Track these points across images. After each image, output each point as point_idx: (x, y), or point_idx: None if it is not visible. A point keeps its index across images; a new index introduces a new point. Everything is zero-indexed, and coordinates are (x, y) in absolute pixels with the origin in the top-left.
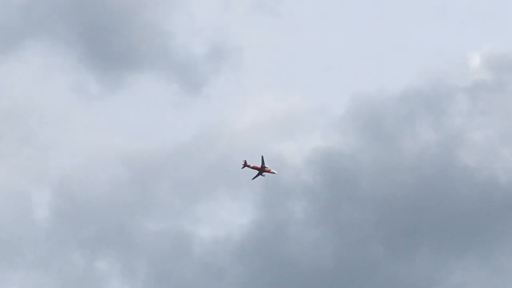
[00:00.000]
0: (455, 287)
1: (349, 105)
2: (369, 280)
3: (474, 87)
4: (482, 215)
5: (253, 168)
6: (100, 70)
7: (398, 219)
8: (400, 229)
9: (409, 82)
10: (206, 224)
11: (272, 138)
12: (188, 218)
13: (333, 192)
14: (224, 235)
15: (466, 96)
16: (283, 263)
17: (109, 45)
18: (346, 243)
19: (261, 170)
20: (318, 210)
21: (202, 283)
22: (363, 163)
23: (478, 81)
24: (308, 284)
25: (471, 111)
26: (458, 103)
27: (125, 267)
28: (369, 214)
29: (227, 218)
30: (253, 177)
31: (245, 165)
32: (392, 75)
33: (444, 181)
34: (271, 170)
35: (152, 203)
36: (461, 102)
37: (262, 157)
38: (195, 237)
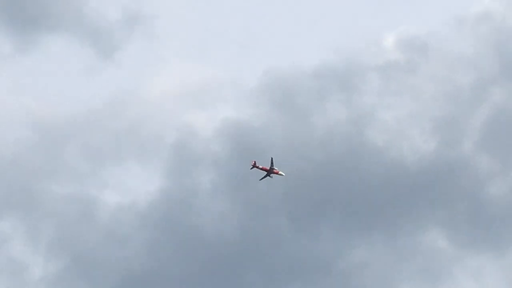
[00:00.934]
0: (358, 264)
1: (262, 79)
2: (274, 253)
3: (387, 67)
4: (388, 194)
5: (262, 169)
6: (13, 31)
7: (305, 194)
8: (307, 204)
9: (323, 59)
10: (112, 190)
11: (183, 107)
12: (95, 184)
13: (242, 164)
14: (130, 202)
15: (378, 76)
16: (189, 232)
17: (24, 7)
18: (252, 216)
19: (269, 171)
20: (226, 182)
21: (105, 248)
22: (273, 137)
23: (390, 61)
24: (213, 255)
25: (382, 91)
26: (369, 82)
27: (29, 230)
28: (276, 187)
29: (134, 185)
30: (260, 178)
31: (254, 165)
32: (306, 51)
33: (353, 159)
34: (279, 172)
35: (60, 167)
36: (373, 81)
37: (272, 158)
38: (101, 203)
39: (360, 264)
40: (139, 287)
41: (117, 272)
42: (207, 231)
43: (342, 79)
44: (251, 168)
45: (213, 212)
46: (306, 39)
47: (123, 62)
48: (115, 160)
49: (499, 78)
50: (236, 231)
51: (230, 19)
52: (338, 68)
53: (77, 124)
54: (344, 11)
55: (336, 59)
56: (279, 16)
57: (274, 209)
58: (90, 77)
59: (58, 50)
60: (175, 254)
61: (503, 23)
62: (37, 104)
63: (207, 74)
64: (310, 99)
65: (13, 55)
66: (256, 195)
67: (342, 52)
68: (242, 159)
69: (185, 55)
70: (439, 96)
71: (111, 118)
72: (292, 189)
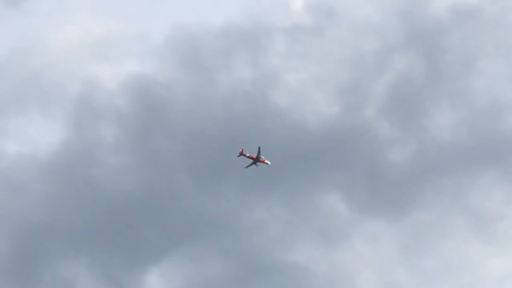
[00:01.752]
0: (255, 224)
1: (169, 35)
2: (174, 210)
3: (293, 29)
4: (289, 156)
5: (249, 157)
6: None
7: (207, 152)
8: (208, 162)
9: (230, 18)
10: (13, 139)
11: (88, 60)
12: None
13: (145, 119)
14: (31, 152)
15: (285, 38)
16: (89, 185)
17: None
18: (154, 171)
19: (256, 160)
20: (129, 136)
21: (3, 197)
22: (178, 94)
23: (297, 24)
24: (113, 209)
25: (288, 53)
26: (276, 44)
27: None
28: (179, 144)
29: (35, 135)
30: (247, 165)
31: (241, 153)
32: (214, 9)
33: (256, 120)
34: (266, 161)
35: None
36: (279, 43)
37: (259, 148)
38: (0, 152)
39: (259, 224)
40: (37, 239)
41: (15, 222)
42: (107, 185)
43: (249, 39)
44: (238, 156)
45: (114, 167)
46: None
47: (29, 11)
48: (17, 110)
49: (403, 46)
50: (137, 187)
51: None
52: (245, 28)
53: None
54: None
55: (243, 19)
56: None
57: (176, 166)
58: None
59: None
60: (75, 207)
61: None
62: None
63: (114, 27)
64: (216, 57)
65: None
66: (159, 151)
67: (250, 12)
68: (146, 114)
69: (93, 6)
70: (344, 61)
71: (15, 67)
72: (194, 147)
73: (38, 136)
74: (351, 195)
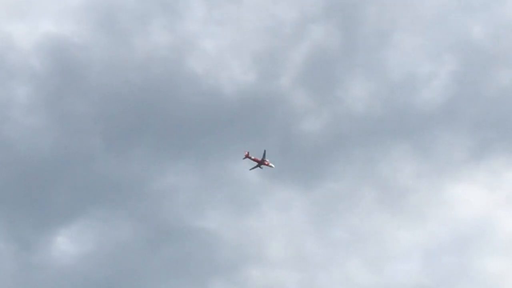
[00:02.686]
0: (167, 188)
1: None
2: (85, 172)
3: None
4: (203, 122)
5: (254, 160)
6: None
7: (121, 116)
8: (122, 126)
9: None
10: None
11: (2, 18)
12: None
13: (60, 80)
14: None
15: (203, 3)
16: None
17: None
18: (66, 133)
19: (260, 162)
20: (42, 97)
21: None
22: (93, 56)
23: None
24: (24, 170)
25: (205, 19)
26: (193, 9)
27: None
28: (93, 107)
29: None
30: (251, 167)
31: (247, 156)
32: None
33: (171, 85)
34: (270, 164)
35: None
36: (197, 9)
37: (265, 151)
38: None
39: (170, 188)
40: None
41: None
42: (18, 145)
43: (167, 4)
44: (244, 158)
45: (26, 127)
46: None
47: None
48: None
49: (321, 16)
50: (49, 147)
51: None
52: None
53: None
54: None
55: None
56: None
57: (89, 128)
58: None
59: None
60: None
61: None
62: None
63: None
64: (133, 21)
65: None
66: (72, 113)
67: None
68: (61, 75)
69: None
70: (261, 29)
71: None
72: (108, 110)
73: None
74: None
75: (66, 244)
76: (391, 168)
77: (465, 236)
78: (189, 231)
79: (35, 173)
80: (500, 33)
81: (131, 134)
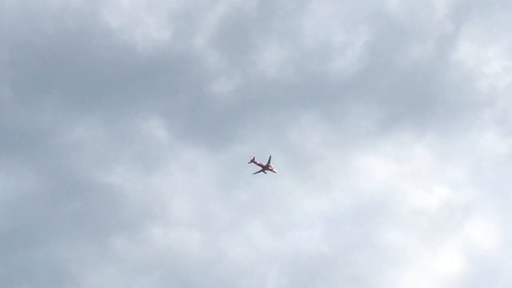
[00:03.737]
0: (74, 141)
1: None
2: None
3: None
4: (115, 77)
5: (259, 165)
6: None
7: (32, 65)
8: (32, 76)
9: None
10: None
11: None
12: None
13: None
14: None
15: None
16: None
17: None
18: None
19: (265, 167)
20: None
21: None
22: (6, 4)
23: None
24: None
25: None
26: None
27: None
28: (4, 55)
29: None
30: (255, 172)
31: (252, 160)
32: None
33: (84, 37)
34: (273, 169)
35: None
36: None
37: (270, 157)
38: None
39: (78, 142)
40: None
41: None
42: None
43: None
44: (249, 163)
45: None
46: None
47: None
48: None
49: None
50: None
51: None
52: None
53: None
54: None
55: None
56: None
57: None
58: None
59: None
60: None
61: None
62: None
63: None
64: None
65: None
66: None
67: None
68: None
69: None
70: None
71: None
72: (19, 58)
73: None
74: (173, 122)
75: None
76: (300, 134)
77: (368, 207)
78: (94, 186)
79: None
80: (415, 7)
81: (41, 85)
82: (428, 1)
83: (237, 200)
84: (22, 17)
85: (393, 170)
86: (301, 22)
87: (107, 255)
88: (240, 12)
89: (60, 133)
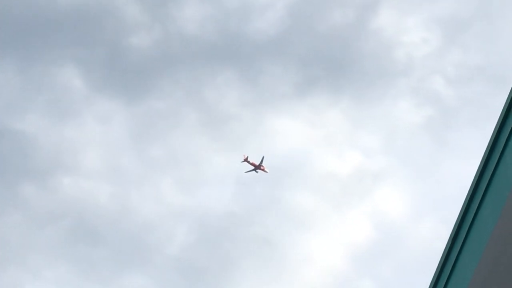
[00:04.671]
0: None
1: None
2: None
3: None
4: (31, 23)
5: (251, 164)
6: None
7: None
8: None
9: None
10: None
11: None
12: None
13: None
14: None
15: None
16: None
17: None
18: None
19: (257, 167)
20: None
21: None
22: None
23: None
24: None
25: None
26: None
27: None
28: None
29: None
30: (247, 170)
31: (246, 160)
32: None
33: None
34: (265, 169)
35: None
36: None
37: (263, 157)
38: None
39: None
40: None
41: None
42: None
43: None
44: (242, 162)
45: None
46: None
47: None
48: None
49: None
50: None
51: None
52: None
53: None
54: None
55: None
56: None
57: None
58: None
59: None
60: None
61: None
62: None
63: None
64: None
65: None
66: None
67: None
68: None
69: None
70: None
71: None
72: None
73: None
74: (90, 73)
75: None
76: (216, 93)
77: (280, 169)
78: (5, 131)
79: None
80: None
81: None
82: None
83: (149, 155)
84: None
85: (307, 134)
86: None
87: (15, 202)
88: None
89: None
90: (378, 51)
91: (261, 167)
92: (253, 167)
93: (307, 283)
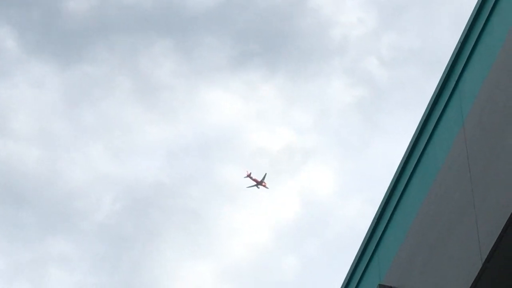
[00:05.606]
0: None
1: None
2: None
3: None
4: None
5: (254, 180)
6: None
7: None
8: None
9: None
10: None
11: None
12: None
13: None
14: None
15: None
16: None
17: None
18: None
19: (259, 183)
20: None
21: None
22: None
23: None
24: None
25: None
26: None
27: None
28: None
29: None
30: (248, 186)
31: (248, 175)
32: None
33: None
34: (266, 185)
35: None
36: None
37: (265, 174)
38: None
39: None
40: None
41: None
42: None
43: None
44: (245, 177)
45: None
46: None
47: None
48: None
49: None
50: None
51: None
52: None
53: None
54: None
55: None
56: None
57: None
58: None
59: None
60: None
61: None
62: None
63: None
64: None
65: None
66: None
67: None
68: None
69: None
70: None
71: None
72: None
73: None
74: (24, 35)
75: None
76: (151, 62)
77: (211, 142)
78: None
79: None
80: None
81: None
82: None
83: (80, 121)
84: None
85: (240, 108)
86: None
87: None
88: None
89: None
90: (315, 29)
91: (263, 183)
92: (255, 183)
93: (232, 258)
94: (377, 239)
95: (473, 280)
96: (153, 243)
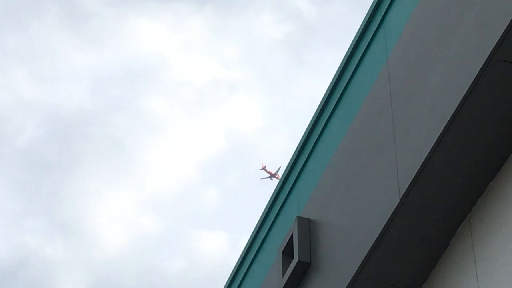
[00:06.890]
0: None
1: None
2: None
3: None
4: None
5: (268, 172)
6: None
7: None
8: None
9: None
10: None
11: None
12: None
13: None
14: None
15: None
16: None
17: None
18: None
19: (273, 175)
20: None
21: None
22: None
23: None
24: None
25: None
26: None
27: None
28: None
29: None
30: (263, 177)
31: (263, 168)
32: None
33: None
34: (279, 178)
35: None
36: None
37: (279, 168)
38: None
39: None
40: None
41: None
42: None
43: None
44: (260, 169)
45: None
46: None
47: None
48: None
49: None
50: None
51: None
52: None
53: None
54: None
55: None
56: None
57: None
58: None
59: None
60: None
61: None
62: None
63: None
64: None
65: None
66: None
67: None
68: None
69: None
70: None
71: None
72: None
73: None
74: None
75: None
76: None
77: (137, 71)
78: None
79: None
80: None
81: None
82: None
83: (4, 45)
84: None
85: (167, 38)
86: None
87: None
88: None
89: None
90: None
91: (276, 176)
92: (269, 175)
93: (154, 188)
94: (297, 173)
95: (390, 214)
96: (75, 170)
